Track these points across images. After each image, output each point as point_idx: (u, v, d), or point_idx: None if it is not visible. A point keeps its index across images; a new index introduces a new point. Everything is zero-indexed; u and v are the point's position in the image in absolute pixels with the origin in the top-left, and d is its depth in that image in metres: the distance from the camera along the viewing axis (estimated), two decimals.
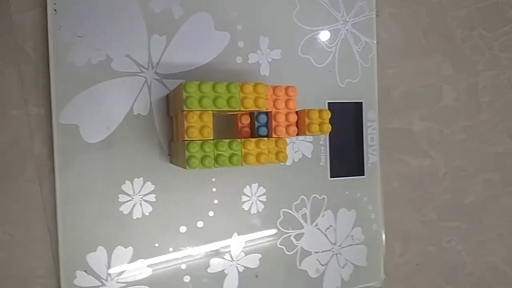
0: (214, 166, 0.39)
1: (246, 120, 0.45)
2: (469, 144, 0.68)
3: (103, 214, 0.47)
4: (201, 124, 0.39)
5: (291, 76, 0.54)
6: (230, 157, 0.39)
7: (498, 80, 0.69)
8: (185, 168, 0.38)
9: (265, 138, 0.41)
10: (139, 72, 0.48)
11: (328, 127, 0.43)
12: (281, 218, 0.54)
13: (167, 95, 0.48)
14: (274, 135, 0.43)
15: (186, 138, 0.38)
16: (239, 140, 0.40)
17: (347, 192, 0.57)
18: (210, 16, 0.50)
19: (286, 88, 0.43)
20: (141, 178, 0.48)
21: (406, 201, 0.64)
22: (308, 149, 0.55)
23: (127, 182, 0.48)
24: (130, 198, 0.48)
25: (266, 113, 0.44)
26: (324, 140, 0.56)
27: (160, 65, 0.48)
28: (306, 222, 0.55)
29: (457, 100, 0.67)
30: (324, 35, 0.56)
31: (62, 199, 0.45)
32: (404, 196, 0.64)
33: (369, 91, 0.58)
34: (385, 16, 0.62)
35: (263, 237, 0.53)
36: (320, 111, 0.42)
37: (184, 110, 0.38)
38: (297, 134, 0.44)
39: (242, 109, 0.40)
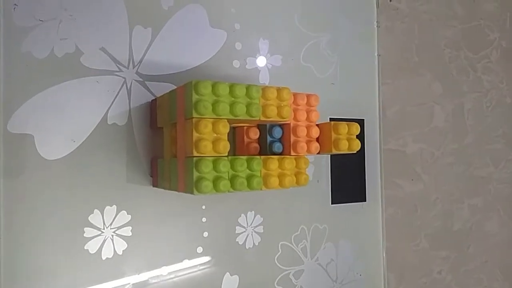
0: (229, 191, 0.30)
1: (255, 134, 0.37)
2: (456, 168, 0.65)
3: (62, 253, 0.35)
4: (214, 136, 0.30)
5: (292, 86, 0.46)
6: (249, 179, 0.31)
7: (481, 103, 0.68)
8: (192, 193, 0.29)
9: (289, 156, 0.33)
10: (117, 71, 0.38)
11: (358, 144, 0.36)
12: (279, 253, 0.46)
13: (153, 100, 0.38)
14: (292, 153, 0.35)
15: (195, 154, 0.29)
16: (259, 157, 0.31)
17: (348, 220, 0.50)
18: (205, 9, 0.42)
19: (309, 97, 0.35)
20: (114, 206, 0.37)
21: (400, 229, 0.59)
22: (309, 170, 0.48)
23: (96, 211, 0.37)
24: (99, 232, 0.37)
25: (281, 126, 0.36)
26: (326, 161, 0.49)
27: (143, 64, 0.39)
28: (306, 257, 0.47)
29: (446, 121, 0.64)
30: (326, 43, 0.49)
31: (5, 237, 0.33)
32: (399, 224, 0.59)
33: (370, 107, 0.53)
34: (381, 30, 0.57)
35: (258, 276, 0.44)
36: (349, 124, 0.35)
37: (192, 117, 0.29)
38: (319, 152, 0.36)
39: (262, 118, 0.32)
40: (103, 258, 0.37)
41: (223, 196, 0.42)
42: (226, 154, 0.30)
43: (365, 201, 0.52)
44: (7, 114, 0.33)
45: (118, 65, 0.38)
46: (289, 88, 0.33)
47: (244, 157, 0.31)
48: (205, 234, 0.41)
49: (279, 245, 0.46)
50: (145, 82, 0.39)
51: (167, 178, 0.35)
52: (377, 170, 0.53)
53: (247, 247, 0.44)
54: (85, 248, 0.36)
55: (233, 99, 0.30)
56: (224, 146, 0.29)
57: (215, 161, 0.29)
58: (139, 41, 0.39)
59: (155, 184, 0.38)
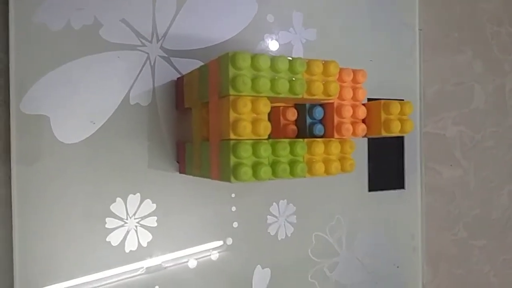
0: (269, 179, 0.26)
1: (292, 115, 0.33)
2: (496, 152, 0.60)
3: (82, 244, 0.32)
4: (254, 116, 0.26)
5: None
6: (292, 165, 0.27)
7: None
8: (229, 180, 0.26)
9: (334, 139, 0.30)
10: (139, 45, 0.34)
11: (411, 125, 0.32)
12: (313, 245, 0.42)
13: (178, 78, 0.35)
14: (336, 136, 0.31)
15: (233, 137, 0.25)
16: (302, 141, 0.28)
17: (386, 209, 0.47)
18: None
19: (355, 72, 0.31)
20: (138, 195, 0.34)
21: (438, 218, 0.55)
22: None
23: (119, 200, 0.33)
24: (122, 223, 0.34)
25: (322, 106, 0.32)
26: (363, 145, 0.45)
27: (167, 38, 0.35)
28: (341, 248, 0.44)
29: (486, 102, 0.59)
30: (363, 16, 0.45)
31: (19, 228, 0.30)
32: (437, 212, 0.55)
33: (410, 87, 0.48)
34: (421, 2, 0.52)
35: (291, 270, 0.41)
36: (401, 103, 0.31)
37: (229, 95, 0.25)
38: (366, 135, 0.32)
39: (306, 96, 0.28)
40: (127, 250, 0.34)
41: (254, 183, 0.39)
42: (267, 137, 0.27)
43: (404, 188, 0.48)
44: (20, 93, 0.30)
45: (140, 39, 0.34)
46: (336, 62, 0.29)
47: (287, 140, 0.27)
48: (235, 224, 0.38)
49: (313, 236, 0.42)
50: (170, 58, 0.35)
51: (197, 164, 0.31)
52: (416, 155, 0.49)
53: (279, 238, 0.40)
54: (107, 240, 0.33)
55: (274, 73, 0.27)
56: (265, 128, 0.26)
57: (255, 145, 0.26)
58: (164, 12, 0.35)
59: (182, 171, 0.35)
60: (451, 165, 0.56)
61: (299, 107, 0.33)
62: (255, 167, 0.26)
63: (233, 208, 0.38)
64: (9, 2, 0.30)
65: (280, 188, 0.40)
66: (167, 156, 0.35)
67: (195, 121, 0.32)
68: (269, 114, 0.34)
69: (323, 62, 0.28)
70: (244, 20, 0.38)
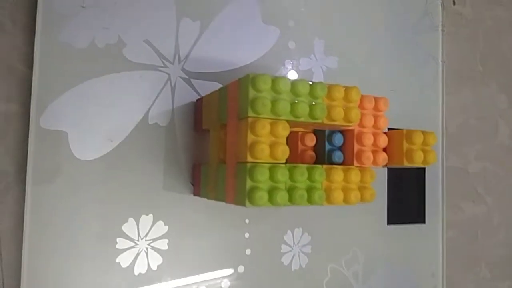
0: (285, 205, 0.26)
1: (311, 141, 0.32)
2: None
3: (91, 265, 0.31)
4: (272, 139, 0.25)
5: None
6: (309, 192, 0.26)
7: None
8: (244, 204, 0.25)
9: (354, 167, 0.29)
10: (161, 66, 0.34)
11: (434, 156, 0.31)
12: (328, 278, 0.41)
13: (198, 100, 0.35)
14: (356, 164, 0.30)
15: (250, 159, 0.25)
16: (321, 167, 0.27)
17: (405, 244, 0.45)
18: (257, 3, 0.38)
19: (377, 100, 0.31)
20: (151, 215, 0.34)
21: (461, 256, 0.53)
22: None
23: (131, 220, 0.33)
24: (133, 244, 0.33)
25: (342, 132, 0.32)
26: (382, 176, 0.44)
27: (189, 60, 0.35)
28: (357, 283, 0.42)
29: (511, 138, 0.58)
30: (386, 46, 0.45)
31: (29, 245, 0.30)
32: (459, 250, 0.53)
33: (432, 119, 0.48)
34: (445, 35, 0.52)
35: None
36: (425, 133, 0.30)
37: (248, 117, 0.25)
38: (387, 164, 0.31)
39: (326, 122, 0.27)
40: (136, 273, 0.33)
41: (269, 210, 0.38)
42: (284, 162, 0.26)
43: (424, 223, 0.46)
44: (41, 108, 0.30)
45: (162, 59, 0.34)
46: (358, 88, 0.28)
47: (305, 166, 0.26)
48: (248, 251, 0.37)
49: (328, 269, 0.41)
50: (191, 79, 0.35)
51: (212, 186, 0.30)
52: (438, 189, 0.48)
53: (293, 269, 0.39)
54: (117, 261, 0.32)
55: (294, 97, 0.26)
56: (283, 152, 0.25)
57: (272, 169, 0.25)
58: (187, 35, 0.35)
59: (196, 193, 0.34)
60: (473, 202, 0.54)
61: (318, 133, 0.33)
62: (271, 192, 0.25)
63: (247, 235, 0.37)
64: (37, 18, 0.30)
65: (295, 215, 0.39)
66: (182, 178, 0.35)
67: (212, 143, 0.31)
68: (287, 139, 0.33)
69: (345, 88, 0.28)
70: (265, 45, 0.38)
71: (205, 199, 0.33)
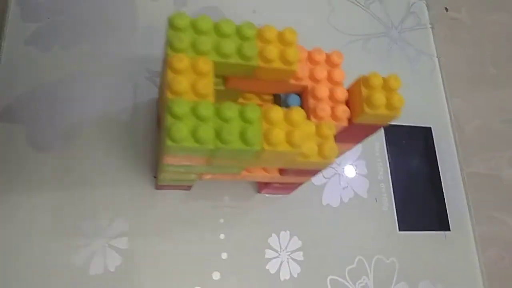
0: (216, 147, 0.23)
1: (268, 99, 0.30)
2: None
3: (44, 266, 0.29)
4: (194, 76, 0.24)
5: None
6: (243, 133, 0.23)
7: None
8: (167, 145, 0.22)
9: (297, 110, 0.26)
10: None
11: (400, 100, 0.27)
12: None
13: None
14: (313, 120, 0.27)
15: (170, 96, 0.23)
16: (254, 103, 0.24)
17: (428, 255, 0.38)
18: None
19: (329, 54, 0.29)
20: (109, 211, 0.31)
21: (505, 278, 0.43)
22: (361, 185, 0.38)
23: (88, 218, 0.31)
24: (88, 242, 0.30)
25: (299, 95, 0.29)
26: (384, 174, 0.39)
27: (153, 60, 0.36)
28: None
29: None
30: (370, 42, 0.43)
31: None
32: (503, 270, 0.43)
33: (438, 115, 0.43)
34: (440, 38, 0.50)
35: None
36: (385, 77, 0.27)
37: (167, 56, 0.24)
38: (350, 118, 0.28)
39: (261, 64, 0.25)
40: (91, 273, 0.30)
41: (248, 208, 0.34)
42: (211, 98, 0.24)
43: (449, 230, 0.39)
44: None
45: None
46: (293, 28, 0.26)
47: (237, 104, 0.24)
48: (224, 255, 0.32)
49: (328, 280, 0.34)
50: (153, 77, 0.35)
51: (157, 154, 0.28)
52: (460, 193, 0.41)
53: (281, 278, 0.33)
54: (72, 261, 0.30)
55: (219, 38, 0.25)
56: (205, 86, 0.23)
57: (195, 105, 0.23)
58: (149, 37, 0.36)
59: (157, 186, 0.32)
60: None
61: (276, 100, 0.30)
62: (195, 129, 0.23)
63: (221, 236, 0.33)
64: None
65: (280, 216, 0.35)
66: (144, 171, 0.33)
67: (163, 130, 0.30)
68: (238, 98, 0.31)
69: (278, 31, 0.26)
70: None
71: (171, 195, 0.30)
